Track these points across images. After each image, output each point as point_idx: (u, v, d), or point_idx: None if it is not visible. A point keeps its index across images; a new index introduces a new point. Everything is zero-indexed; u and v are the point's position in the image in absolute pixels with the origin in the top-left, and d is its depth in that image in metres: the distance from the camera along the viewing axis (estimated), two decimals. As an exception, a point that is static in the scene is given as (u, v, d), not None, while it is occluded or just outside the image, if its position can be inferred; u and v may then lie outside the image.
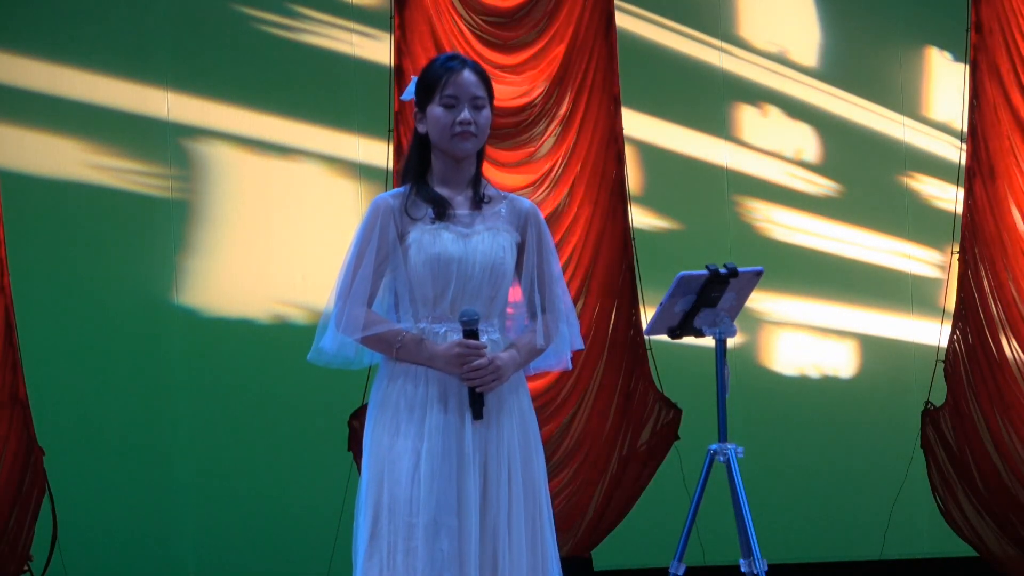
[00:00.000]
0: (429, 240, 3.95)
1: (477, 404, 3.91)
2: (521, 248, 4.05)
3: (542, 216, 4.12)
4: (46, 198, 7.51)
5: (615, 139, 7.86)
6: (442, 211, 3.98)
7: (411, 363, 3.95)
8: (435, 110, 3.99)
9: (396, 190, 4.07)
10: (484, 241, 3.98)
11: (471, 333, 3.92)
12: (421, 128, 4.04)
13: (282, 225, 7.84)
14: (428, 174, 4.04)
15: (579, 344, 4.15)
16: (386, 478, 3.90)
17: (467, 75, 4.00)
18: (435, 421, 3.91)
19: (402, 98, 4.15)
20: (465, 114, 3.97)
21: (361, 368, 4.09)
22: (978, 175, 8.12)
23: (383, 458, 3.92)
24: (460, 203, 4.01)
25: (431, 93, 4.00)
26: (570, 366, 4.17)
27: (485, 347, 3.92)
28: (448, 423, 3.91)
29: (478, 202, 4.02)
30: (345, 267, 4.02)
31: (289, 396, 7.72)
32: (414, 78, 4.10)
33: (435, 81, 4.00)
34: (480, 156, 4.07)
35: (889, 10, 9.11)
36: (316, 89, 7.94)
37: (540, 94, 7.76)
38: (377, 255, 3.97)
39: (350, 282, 3.98)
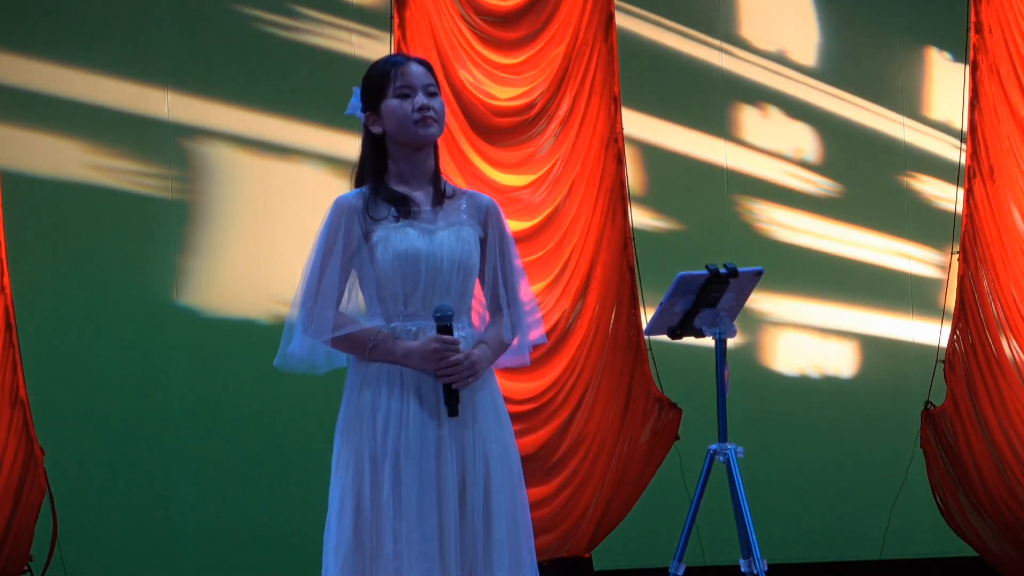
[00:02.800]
0: (395, 238, 3.92)
1: (452, 401, 3.89)
2: (483, 243, 4.04)
3: (502, 212, 4.11)
4: (46, 198, 7.50)
5: (615, 139, 7.84)
6: (405, 209, 3.96)
7: (385, 363, 3.92)
8: (390, 103, 3.96)
9: (355, 191, 4.03)
10: (449, 236, 3.96)
11: (445, 329, 3.90)
12: (375, 129, 4.00)
13: (282, 225, 7.82)
14: (385, 175, 4.02)
15: (541, 338, 4.15)
16: (367, 483, 3.87)
17: (414, 67, 3.99)
18: (413, 423, 3.88)
19: (346, 113, 4.10)
20: (421, 99, 3.95)
21: (328, 371, 4.04)
22: (978, 175, 8.11)
23: (362, 464, 3.89)
24: (421, 200, 3.98)
25: (382, 89, 3.98)
26: (528, 362, 4.14)
27: (459, 342, 3.91)
28: (426, 424, 3.89)
29: (439, 198, 4.00)
30: (310, 269, 3.95)
31: (289, 396, 7.71)
32: (355, 89, 4.06)
33: (383, 77, 3.98)
34: (436, 150, 4.04)
35: (889, 10, 9.12)
36: (316, 89, 7.93)
37: (540, 94, 7.74)
38: (344, 255, 3.93)
39: (316, 284, 3.93)
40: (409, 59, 4.02)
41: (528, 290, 4.12)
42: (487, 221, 4.05)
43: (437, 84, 4.02)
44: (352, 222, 3.94)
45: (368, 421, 3.91)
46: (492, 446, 3.95)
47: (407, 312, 3.93)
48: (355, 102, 4.05)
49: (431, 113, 3.94)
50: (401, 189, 3.99)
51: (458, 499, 3.88)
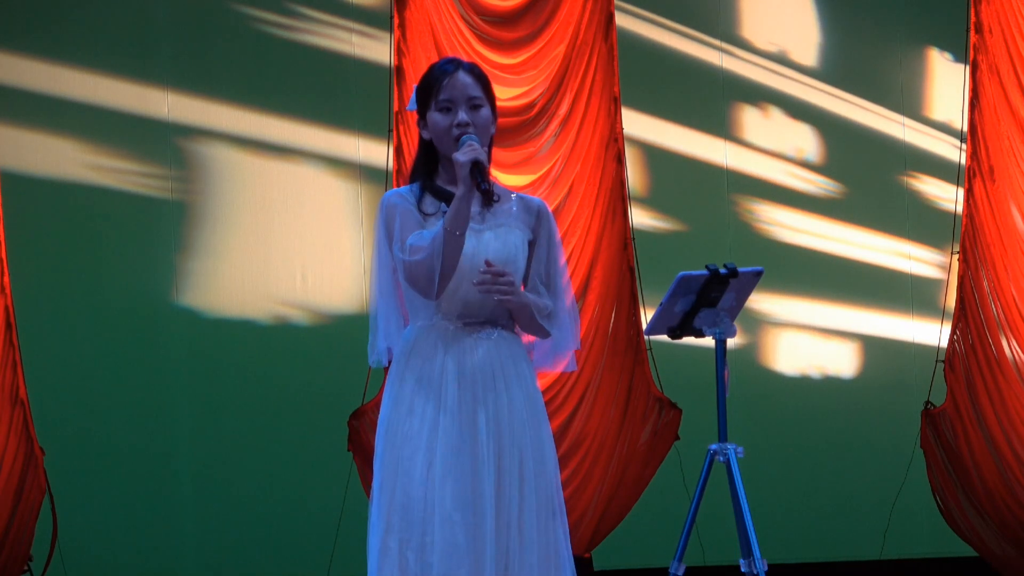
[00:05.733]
0: None
1: (481, 181, 3.85)
2: (532, 245, 4.04)
3: (552, 214, 4.10)
4: (46, 198, 7.50)
5: (615, 139, 7.81)
6: None
7: (459, 225, 3.84)
8: (433, 116, 3.99)
9: (404, 188, 4.05)
10: (495, 239, 3.97)
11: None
12: (425, 135, 4.03)
13: (282, 225, 7.83)
14: (436, 176, 4.03)
15: (576, 344, 4.12)
16: (400, 475, 3.89)
17: (461, 77, 3.98)
18: (450, 413, 3.90)
19: (408, 108, 4.13)
20: (462, 116, 3.95)
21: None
22: (978, 175, 8.07)
23: (398, 453, 3.91)
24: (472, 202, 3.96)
25: (428, 99, 4.00)
26: (575, 366, 4.14)
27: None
28: (463, 416, 3.90)
29: (488, 200, 3.99)
30: (376, 272, 4.00)
31: (289, 396, 7.72)
32: (416, 87, 4.09)
33: (431, 87, 4.00)
34: (487, 156, 4.01)
35: (889, 10, 9.11)
36: (316, 89, 7.94)
37: (540, 94, 7.72)
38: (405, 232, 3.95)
39: (385, 282, 3.98)
40: (459, 68, 4.02)
41: (572, 296, 4.11)
42: (538, 224, 4.06)
43: (486, 94, 4.01)
44: (406, 206, 3.96)
45: (407, 413, 3.93)
46: (527, 442, 3.95)
47: (445, 311, 3.96)
48: (413, 99, 4.07)
49: (469, 129, 3.94)
50: (451, 189, 3.98)
51: (495, 495, 3.89)
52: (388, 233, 3.95)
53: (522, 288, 4.04)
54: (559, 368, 4.13)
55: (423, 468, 3.86)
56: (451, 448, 3.87)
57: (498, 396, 3.93)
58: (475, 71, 4.02)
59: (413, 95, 4.07)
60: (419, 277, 3.87)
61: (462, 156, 3.85)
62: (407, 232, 3.92)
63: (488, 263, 3.87)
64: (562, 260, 4.10)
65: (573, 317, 4.09)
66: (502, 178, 7.56)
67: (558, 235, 4.11)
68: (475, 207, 3.97)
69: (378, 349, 3.99)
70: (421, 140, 4.06)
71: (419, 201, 3.98)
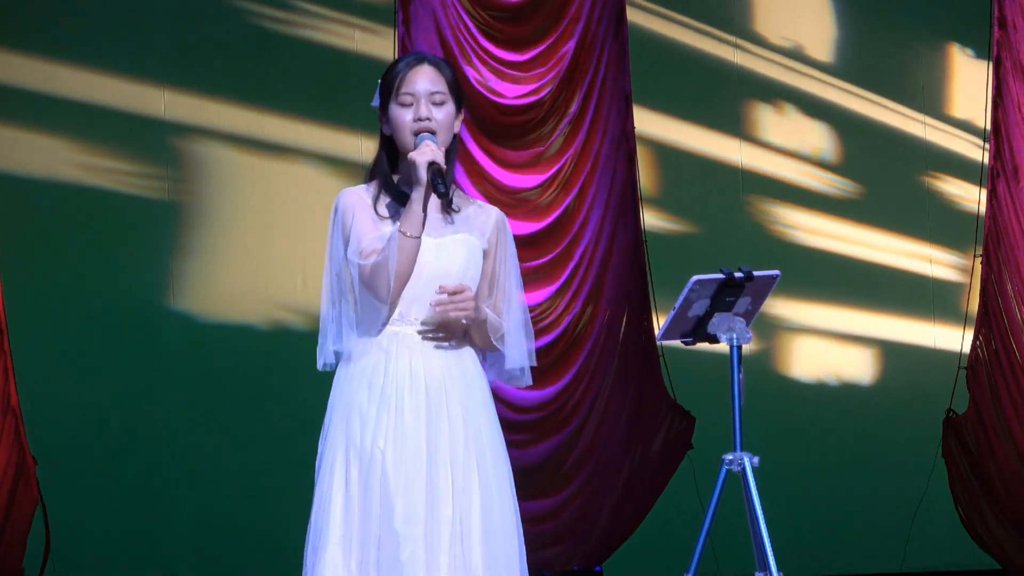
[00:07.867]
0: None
1: (438, 183, 3.78)
2: (486, 255, 3.96)
3: (509, 226, 4.04)
4: (39, 199, 7.49)
5: (626, 138, 7.85)
6: None
7: (412, 226, 3.79)
8: (393, 109, 3.91)
9: (361, 186, 3.98)
10: (455, 244, 3.89)
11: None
12: (386, 130, 3.95)
13: (281, 227, 7.83)
14: (396, 175, 3.95)
15: (529, 360, 4.03)
16: (346, 485, 3.80)
17: (424, 70, 3.91)
18: (403, 423, 3.80)
19: (372, 104, 4.01)
20: (422, 110, 3.87)
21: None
22: (1001, 176, 8.16)
23: (346, 461, 3.82)
24: (429, 206, 3.88)
25: (389, 92, 3.92)
26: (530, 381, 4.04)
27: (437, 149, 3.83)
28: (416, 426, 3.81)
29: (447, 206, 3.91)
30: (327, 276, 3.92)
31: (287, 402, 7.68)
32: (380, 82, 4.02)
33: (392, 80, 3.93)
34: (450, 157, 3.93)
35: (908, 4, 9.22)
36: (317, 87, 7.94)
37: (549, 92, 7.74)
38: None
39: (334, 289, 3.91)
40: (423, 60, 3.95)
41: (526, 312, 4.05)
42: (495, 235, 3.98)
43: (450, 88, 3.93)
44: (363, 206, 3.89)
45: (354, 422, 3.84)
46: (483, 458, 3.87)
47: (400, 317, 3.87)
48: (377, 93, 4.02)
49: (430, 124, 3.88)
50: (407, 191, 3.89)
51: (450, 502, 3.81)
52: (343, 233, 3.89)
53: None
54: (512, 384, 4.06)
55: (374, 479, 3.77)
56: (403, 459, 3.78)
57: (451, 408, 3.85)
58: (440, 65, 3.95)
59: (376, 91, 4.00)
60: (373, 281, 3.81)
61: (419, 156, 3.79)
62: (363, 233, 3.86)
63: (442, 288, 3.81)
64: (518, 278, 4.03)
65: (527, 334, 4.02)
66: (510, 179, 7.65)
67: (514, 249, 4.04)
68: (435, 213, 3.90)
69: (326, 352, 3.92)
70: (382, 136, 3.97)
71: (376, 201, 3.91)
